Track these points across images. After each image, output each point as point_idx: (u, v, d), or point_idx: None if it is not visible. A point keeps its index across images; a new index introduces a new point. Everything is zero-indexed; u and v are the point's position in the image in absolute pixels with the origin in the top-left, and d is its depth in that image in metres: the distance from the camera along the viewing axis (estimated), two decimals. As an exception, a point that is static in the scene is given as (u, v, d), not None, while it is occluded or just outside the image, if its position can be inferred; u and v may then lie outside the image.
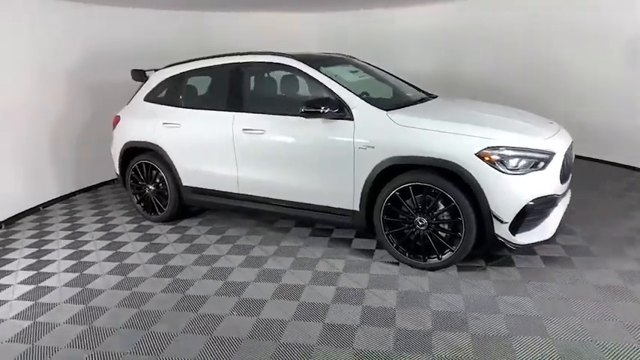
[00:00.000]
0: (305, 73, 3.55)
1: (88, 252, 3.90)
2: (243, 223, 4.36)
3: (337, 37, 7.45)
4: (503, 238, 2.89)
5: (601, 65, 5.44)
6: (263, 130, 3.65)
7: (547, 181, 2.90)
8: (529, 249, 3.24)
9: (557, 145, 2.99)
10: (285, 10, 7.28)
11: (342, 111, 3.31)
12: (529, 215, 2.86)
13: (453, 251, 3.04)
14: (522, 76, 6.35)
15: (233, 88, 3.91)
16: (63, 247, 4.04)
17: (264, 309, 2.83)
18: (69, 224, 4.65)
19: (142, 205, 4.61)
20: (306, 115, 3.34)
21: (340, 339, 2.48)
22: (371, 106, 3.29)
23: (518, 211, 2.83)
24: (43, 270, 3.60)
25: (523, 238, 2.91)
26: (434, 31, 7.09)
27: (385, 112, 3.23)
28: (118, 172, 4.74)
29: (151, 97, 4.44)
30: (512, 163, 2.83)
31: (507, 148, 2.84)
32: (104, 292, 3.17)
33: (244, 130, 3.74)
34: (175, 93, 4.31)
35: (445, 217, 3.06)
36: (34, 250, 4.03)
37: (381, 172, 3.16)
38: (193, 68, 4.21)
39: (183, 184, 4.25)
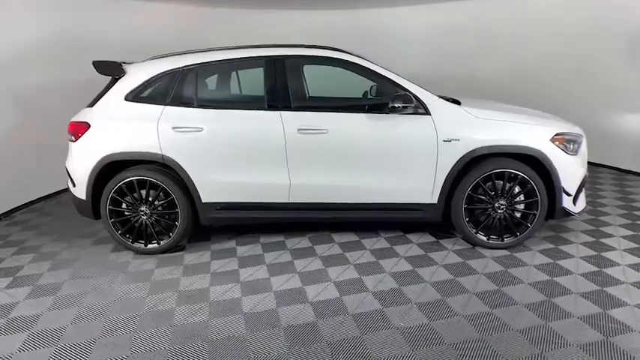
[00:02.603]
0: (372, 70, 3.42)
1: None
2: (270, 236, 3.86)
3: (324, 36, 6.95)
4: (569, 210, 3.44)
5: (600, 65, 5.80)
6: (326, 129, 3.35)
7: (585, 159, 3.58)
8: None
9: (582, 131, 3.72)
10: (274, 7, 6.84)
11: (418, 106, 3.34)
12: (581, 187, 3.50)
13: (529, 227, 3.44)
14: (519, 76, 6.62)
15: (277, 84, 3.42)
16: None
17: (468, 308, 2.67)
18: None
19: (129, 235, 3.56)
20: (393, 110, 3.26)
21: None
22: (445, 101, 3.42)
23: (579, 184, 3.42)
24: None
25: (578, 207, 3.53)
26: (424, 32, 7.29)
27: (459, 106, 3.42)
28: (83, 198, 3.51)
29: (138, 96, 3.47)
30: (570, 146, 3.41)
31: (567, 134, 3.41)
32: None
33: (300, 130, 3.35)
34: (184, 90, 3.47)
35: (521, 199, 3.43)
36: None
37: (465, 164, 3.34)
38: (208, 60, 3.48)
39: (204, 200, 3.49)
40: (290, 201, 3.49)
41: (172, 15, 6.46)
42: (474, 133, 3.33)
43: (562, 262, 3.26)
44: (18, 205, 4.85)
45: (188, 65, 3.47)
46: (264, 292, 2.97)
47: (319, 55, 3.49)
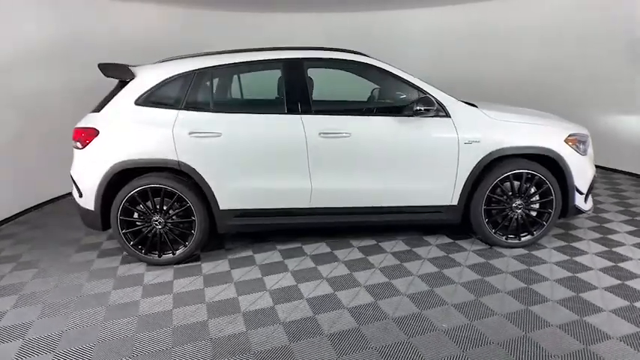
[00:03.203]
0: (392, 73, 3.42)
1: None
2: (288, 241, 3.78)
3: (327, 39, 6.74)
4: (580, 208, 3.56)
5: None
6: (348, 132, 3.32)
7: (593, 159, 3.72)
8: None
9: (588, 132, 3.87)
10: (277, 10, 6.74)
11: (439, 109, 3.38)
12: (592, 186, 3.63)
13: (545, 225, 3.54)
14: (523, 79, 6.66)
15: (297, 87, 3.37)
16: (73, 327, 2.61)
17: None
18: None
19: (141, 247, 3.39)
20: (416, 113, 3.28)
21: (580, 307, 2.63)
22: (464, 103, 3.47)
23: (590, 182, 3.56)
24: None
25: (588, 205, 3.66)
26: (432, 35, 7.32)
27: (477, 108, 3.48)
28: (91, 208, 3.31)
29: (149, 100, 3.31)
30: (581, 146, 3.54)
31: (578, 134, 3.54)
32: None
33: (322, 134, 3.30)
34: (199, 94, 3.35)
35: (535, 198, 3.52)
36: None
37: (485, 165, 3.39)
38: (224, 63, 3.38)
39: (221, 207, 3.37)
40: (311, 206, 3.43)
41: (172, 17, 6.30)
42: (494, 134, 3.39)
43: (578, 259, 3.37)
44: (3, 218, 4.53)
45: (202, 68, 3.35)
46: (296, 299, 2.90)
47: (342, 58, 3.45)
